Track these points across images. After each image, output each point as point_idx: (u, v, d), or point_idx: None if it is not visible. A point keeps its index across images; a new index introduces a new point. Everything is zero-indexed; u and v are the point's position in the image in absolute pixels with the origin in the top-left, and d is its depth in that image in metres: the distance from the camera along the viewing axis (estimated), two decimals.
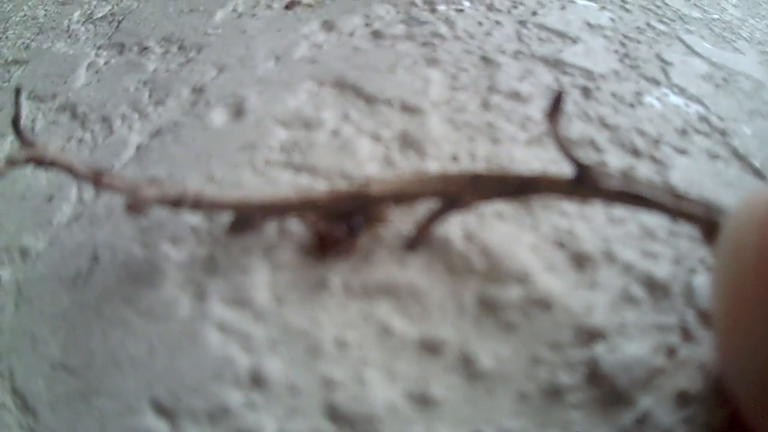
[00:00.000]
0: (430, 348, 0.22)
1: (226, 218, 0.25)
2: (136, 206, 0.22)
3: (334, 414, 0.22)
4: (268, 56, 0.32)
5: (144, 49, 0.33)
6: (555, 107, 0.21)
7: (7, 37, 0.36)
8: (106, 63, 0.33)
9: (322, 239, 0.24)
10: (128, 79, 0.32)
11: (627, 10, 0.34)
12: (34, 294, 0.27)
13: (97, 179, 0.23)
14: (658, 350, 0.21)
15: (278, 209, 0.24)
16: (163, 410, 0.22)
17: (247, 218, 0.25)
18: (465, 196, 0.23)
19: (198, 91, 0.30)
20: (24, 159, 0.23)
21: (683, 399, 0.20)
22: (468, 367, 0.22)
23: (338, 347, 0.23)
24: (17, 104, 0.23)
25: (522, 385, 0.22)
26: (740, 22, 0.35)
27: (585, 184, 0.21)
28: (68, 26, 0.35)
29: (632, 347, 0.22)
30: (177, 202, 0.23)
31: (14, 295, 0.27)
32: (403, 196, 0.24)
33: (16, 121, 0.24)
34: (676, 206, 0.20)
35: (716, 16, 0.35)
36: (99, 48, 0.34)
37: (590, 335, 0.22)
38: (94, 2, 0.37)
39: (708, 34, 0.33)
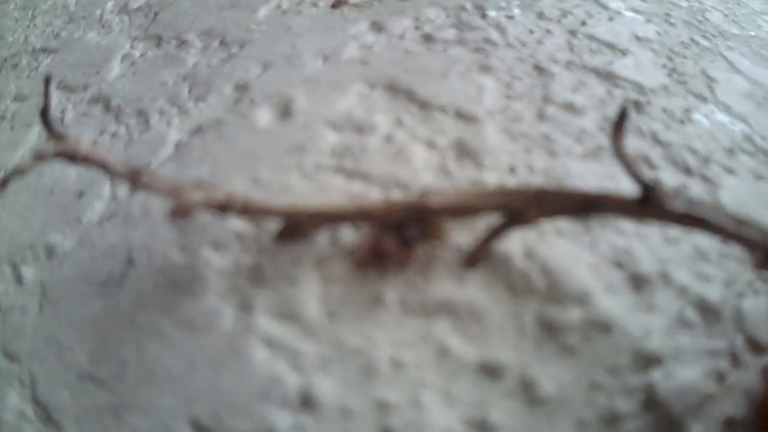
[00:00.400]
0: (490, 371, 0.22)
1: (274, 225, 0.24)
2: (181, 211, 0.21)
3: None
4: (316, 55, 0.31)
5: (183, 43, 0.32)
6: (620, 123, 0.21)
7: (35, 25, 0.35)
8: (142, 55, 0.32)
9: (376, 251, 0.23)
10: (166, 73, 0.31)
11: (671, 24, 0.34)
12: (61, 296, 0.26)
13: (135, 178, 0.23)
14: (709, 375, 0.21)
15: (331, 218, 0.23)
16: (203, 431, 0.21)
17: (297, 226, 0.24)
18: (528, 211, 0.23)
19: (242, 88, 0.30)
20: (54, 153, 0.22)
21: (730, 425, 0.20)
22: (528, 392, 0.21)
23: (394, 368, 0.22)
24: (47, 94, 0.22)
25: (581, 411, 0.21)
26: None
27: (650, 204, 0.21)
28: (101, 16, 0.35)
29: (686, 372, 0.21)
30: (224, 207, 0.22)
31: (38, 296, 0.26)
32: (463, 210, 0.23)
33: (45, 112, 0.23)
34: (736, 231, 0.20)
35: (753, 33, 0.35)
36: (134, 39, 0.33)
37: (648, 360, 0.22)
38: None
39: (747, 51, 0.33)
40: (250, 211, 0.22)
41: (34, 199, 0.28)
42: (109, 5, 0.35)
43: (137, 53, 0.32)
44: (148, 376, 0.23)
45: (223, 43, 0.32)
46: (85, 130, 0.29)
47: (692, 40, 0.33)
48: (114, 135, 0.29)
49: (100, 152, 0.23)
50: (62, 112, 0.30)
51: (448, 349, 0.22)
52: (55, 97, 0.31)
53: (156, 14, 0.34)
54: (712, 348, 0.22)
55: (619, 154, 0.21)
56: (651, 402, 0.21)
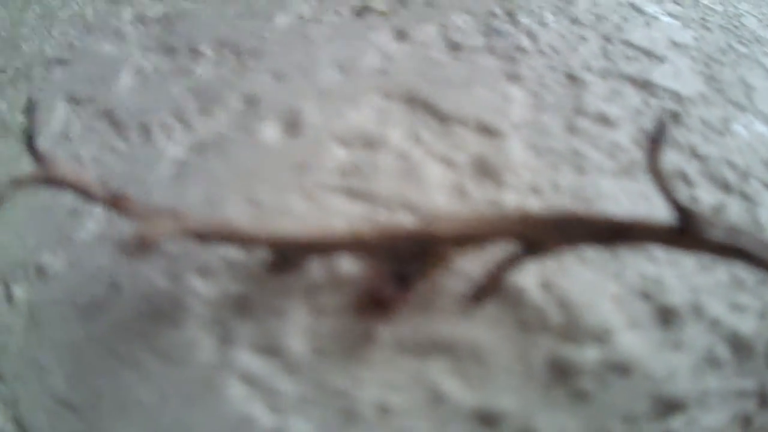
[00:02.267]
0: (487, 419, 0.21)
1: (265, 253, 0.25)
2: (139, 244, 0.21)
3: None
4: (332, 65, 0.32)
5: (195, 53, 0.34)
6: (658, 138, 0.20)
7: (51, 35, 0.38)
8: (153, 67, 0.34)
9: (371, 297, 0.23)
10: (174, 85, 0.32)
11: (708, 29, 0.35)
12: (46, 318, 0.27)
13: (116, 204, 0.24)
14: (735, 420, 0.21)
15: (324, 247, 0.23)
16: None
17: (289, 255, 0.25)
18: (547, 240, 0.22)
19: (250, 101, 0.31)
20: (33, 179, 0.24)
21: None
22: None
23: (379, 413, 0.22)
24: (30, 118, 0.24)
25: None
26: None
27: (688, 234, 0.20)
28: (117, 26, 0.37)
29: (710, 419, 0.21)
30: (203, 237, 0.23)
31: (26, 316, 0.28)
32: (473, 238, 0.23)
33: (29, 136, 0.24)
34: None
35: None
36: (147, 50, 0.35)
37: (669, 406, 0.21)
38: (147, 1, 0.38)
39: None
40: (233, 239, 0.23)
41: (30, 216, 0.30)
42: (127, 15, 0.37)
43: (148, 65, 0.34)
44: (121, 407, 0.23)
45: (236, 53, 0.33)
46: (88, 144, 0.31)
47: (729, 45, 0.33)
48: (114, 150, 0.31)
49: (82, 178, 0.24)
50: (68, 126, 0.32)
51: (443, 394, 0.22)
52: (63, 110, 0.33)
53: (172, 24, 0.36)
54: (740, 388, 0.22)
55: (656, 175, 0.20)
56: None
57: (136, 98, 0.32)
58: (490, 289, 0.24)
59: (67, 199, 0.30)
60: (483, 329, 0.23)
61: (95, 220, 0.28)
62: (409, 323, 0.23)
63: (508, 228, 0.22)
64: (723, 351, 0.22)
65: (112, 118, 0.32)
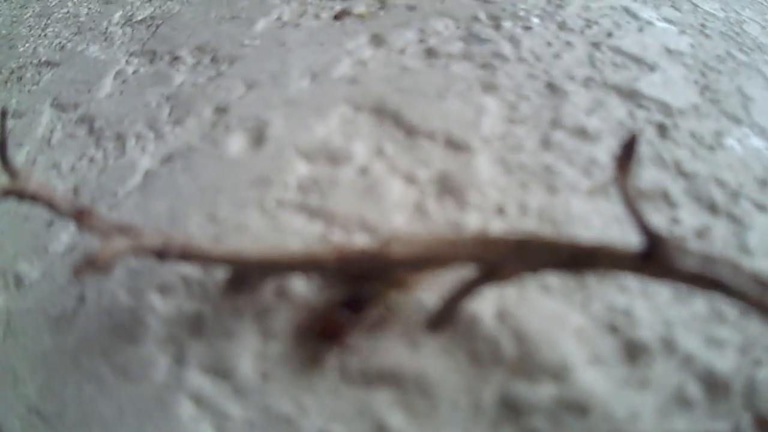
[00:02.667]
0: None
1: (222, 272, 0.25)
2: (92, 264, 0.21)
3: None
4: (304, 74, 0.31)
5: (175, 59, 0.34)
6: (627, 155, 0.19)
7: (45, 35, 0.38)
8: (134, 72, 0.34)
9: (321, 326, 0.23)
10: (151, 93, 0.32)
11: (706, 36, 0.33)
12: (21, 327, 0.27)
13: (79, 218, 0.24)
14: None
15: (278, 267, 0.23)
16: None
17: (245, 275, 0.24)
18: (507, 265, 0.21)
19: (221, 111, 0.30)
20: (4, 192, 0.24)
21: None
22: None
23: None
24: (3, 127, 0.24)
25: None
26: None
27: (656, 261, 0.19)
28: (106, 28, 0.37)
29: None
30: (160, 254, 0.23)
31: (3, 324, 0.28)
32: (430, 261, 0.22)
33: (2, 148, 0.24)
34: (759, 297, 0.18)
35: None
36: (131, 55, 0.35)
37: None
38: (138, 3, 0.38)
39: None
40: (189, 257, 0.23)
41: (11, 226, 0.30)
42: (117, 16, 0.37)
43: (130, 70, 0.34)
44: (84, 420, 0.24)
45: (213, 59, 0.33)
46: (68, 152, 0.31)
47: (728, 53, 0.31)
48: (91, 160, 0.31)
49: (49, 192, 0.24)
50: (51, 132, 0.33)
51: (386, 427, 0.21)
52: (48, 116, 0.33)
53: (157, 27, 0.36)
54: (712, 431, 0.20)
55: (624, 195, 0.19)
56: None
57: (115, 106, 0.32)
58: (445, 316, 0.23)
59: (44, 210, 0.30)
60: (432, 360, 0.22)
61: (68, 232, 0.29)
62: (357, 350, 0.22)
63: (466, 251, 0.22)
64: (694, 390, 0.21)
65: (91, 126, 0.32)
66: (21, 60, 0.37)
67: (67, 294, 0.27)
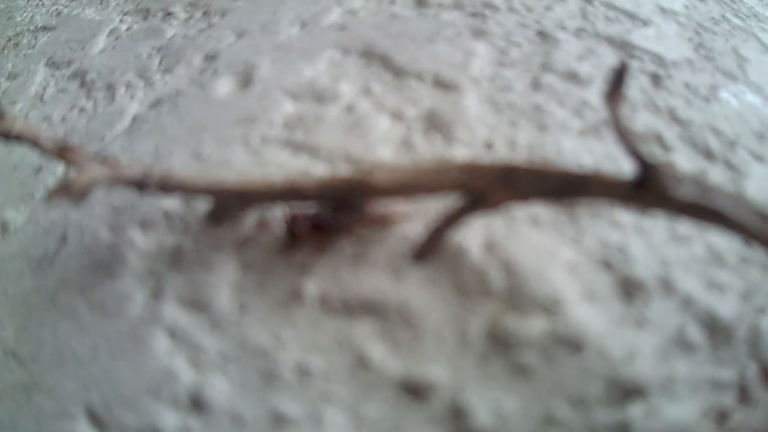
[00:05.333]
0: (414, 390, 0.18)
1: (204, 205, 0.22)
2: (66, 189, 0.19)
3: None
4: (294, 22, 0.28)
5: (168, 15, 0.31)
6: (616, 85, 0.17)
7: (43, 4, 0.36)
8: (127, 29, 0.31)
9: (291, 229, 0.20)
10: (143, 46, 0.30)
11: (701, 0, 0.30)
12: (3, 273, 0.25)
13: (63, 155, 0.21)
14: (708, 415, 0.17)
15: (257, 196, 0.20)
16: (95, 420, 0.20)
17: (225, 206, 0.22)
18: (493, 193, 0.19)
19: (210, 58, 0.28)
20: None
21: None
22: (458, 421, 0.17)
23: (299, 375, 0.19)
24: None
25: None
26: None
27: (649, 189, 0.16)
28: None
29: (677, 410, 0.17)
30: (139, 185, 0.20)
31: None
32: (414, 189, 0.19)
33: None
34: (760, 229, 0.15)
35: None
36: (125, 14, 0.32)
37: (627, 391, 0.17)
38: None
39: None
40: (169, 188, 0.20)
41: (1, 175, 0.28)
42: None
43: (124, 27, 0.31)
44: (59, 358, 0.21)
45: (205, 13, 0.30)
46: (60, 105, 0.29)
47: (723, 17, 0.28)
48: (82, 110, 0.28)
49: (33, 130, 0.22)
50: (44, 89, 0.30)
51: (367, 359, 0.19)
52: (42, 75, 0.31)
53: None
54: (715, 378, 0.17)
55: (615, 124, 0.17)
56: None
57: (107, 60, 0.30)
58: (430, 246, 0.20)
59: (35, 157, 0.28)
60: (416, 290, 0.19)
61: (55, 177, 0.26)
62: (338, 280, 0.20)
63: (451, 179, 0.19)
64: (695, 333, 0.18)
65: (83, 80, 0.29)
66: (18, 28, 0.35)
67: (49, 236, 0.24)
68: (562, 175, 0.18)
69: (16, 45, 0.33)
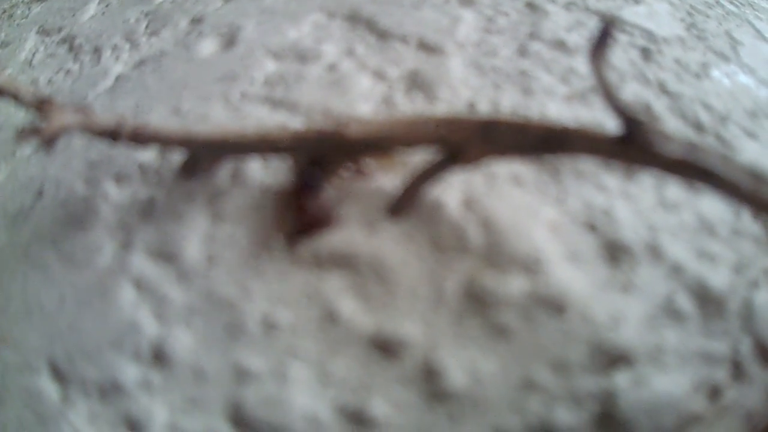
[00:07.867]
0: (385, 347, 0.16)
1: (179, 157, 0.20)
2: (36, 131, 0.17)
3: (238, 417, 0.15)
4: None
5: None
6: (601, 42, 0.15)
7: None
8: None
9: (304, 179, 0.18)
10: (132, 11, 0.28)
11: None
12: None
13: (41, 107, 0.19)
14: (699, 389, 0.15)
15: (231, 148, 0.18)
16: (57, 373, 0.18)
17: (198, 158, 0.20)
18: (472, 147, 0.17)
19: (196, 21, 0.26)
20: None
21: None
22: (431, 381, 0.15)
23: (264, 329, 0.16)
24: None
25: (501, 417, 0.15)
26: None
27: (634, 145, 0.14)
28: None
29: (666, 382, 0.15)
30: (112, 134, 0.18)
31: None
32: (389, 142, 0.17)
33: None
34: (752, 190, 0.13)
35: None
36: None
37: (612, 358, 0.15)
38: None
39: None
40: (142, 138, 0.18)
41: None
42: None
43: None
44: (26, 310, 0.19)
45: None
46: (47, 69, 0.27)
47: (717, 2, 0.26)
48: (68, 72, 0.26)
49: (13, 84, 0.20)
50: (33, 54, 0.28)
51: (336, 313, 0.16)
52: (32, 42, 0.29)
53: None
54: (707, 350, 0.15)
55: (599, 79, 0.15)
56: (607, 417, 0.15)
57: (96, 25, 0.28)
58: (406, 201, 0.18)
59: (19, 117, 0.26)
60: (390, 245, 0.17)
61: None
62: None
63: (427, 132, 0.17)
64: (685, 302, 0.16)
65: (71, 45, 0.27)
66: (13, 1, 0.33)
67: (26, 191, 0.22)
68: (543, 129, 0.16)
69: (10, 16, 0.31)
